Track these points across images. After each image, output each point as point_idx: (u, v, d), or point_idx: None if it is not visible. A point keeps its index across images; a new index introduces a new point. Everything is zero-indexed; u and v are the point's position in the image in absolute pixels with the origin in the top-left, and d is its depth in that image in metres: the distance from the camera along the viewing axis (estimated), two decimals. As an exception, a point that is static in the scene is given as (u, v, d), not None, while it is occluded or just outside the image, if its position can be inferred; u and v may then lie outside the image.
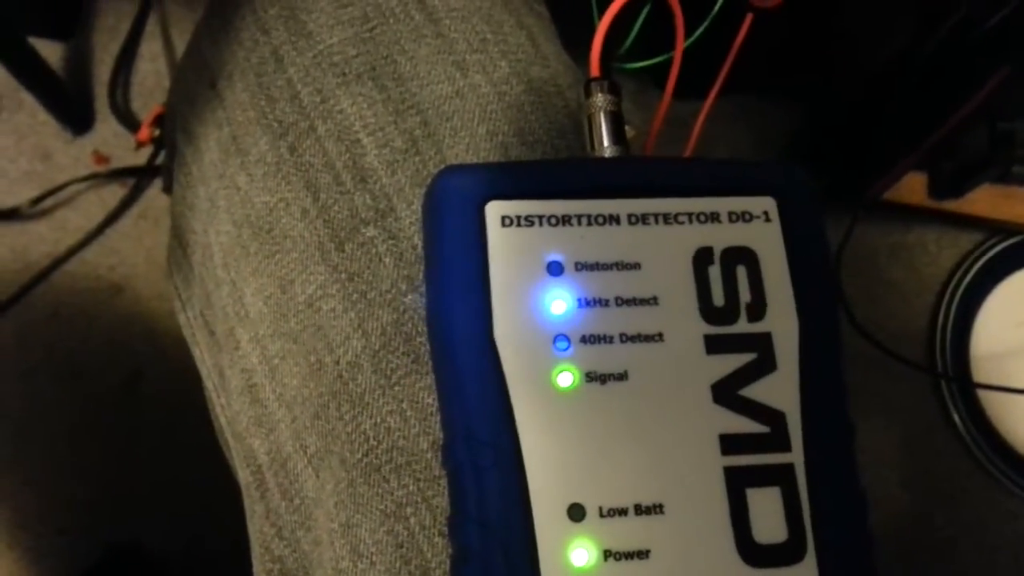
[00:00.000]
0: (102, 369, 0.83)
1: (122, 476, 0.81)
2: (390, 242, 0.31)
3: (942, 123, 0.70)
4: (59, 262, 0.86)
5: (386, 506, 0.28)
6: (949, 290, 0.86)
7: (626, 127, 0.29)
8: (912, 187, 0.82)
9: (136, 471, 0.81)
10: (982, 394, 0.83)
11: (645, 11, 0.32)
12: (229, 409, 0.35)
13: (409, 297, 0.30)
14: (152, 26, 0.92)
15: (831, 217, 0.80)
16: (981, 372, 0.85)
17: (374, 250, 0.31)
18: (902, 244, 0.89)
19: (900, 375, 0.83)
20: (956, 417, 0.83)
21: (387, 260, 0.31)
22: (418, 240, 0.31)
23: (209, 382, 0.38)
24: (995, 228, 0.86)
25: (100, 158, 0.89)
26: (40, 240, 0.87)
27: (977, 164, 0.77)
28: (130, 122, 0.89)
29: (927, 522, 0.83)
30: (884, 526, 0.81)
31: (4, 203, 0.87)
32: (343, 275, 0.31)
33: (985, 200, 0.82)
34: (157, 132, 0.81)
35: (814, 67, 0.83)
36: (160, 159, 0.86)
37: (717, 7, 0.33)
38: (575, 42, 0.36)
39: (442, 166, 0.30)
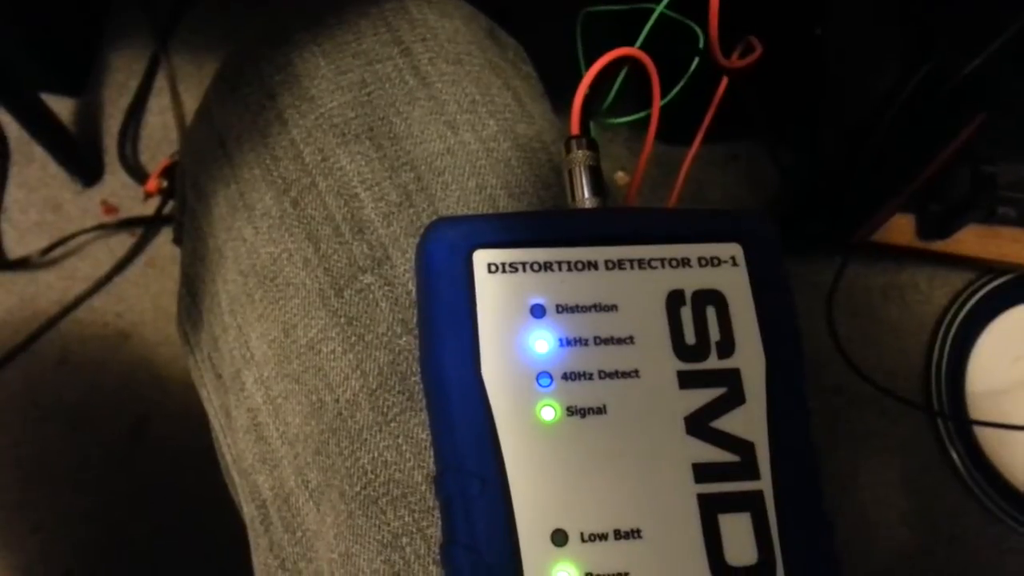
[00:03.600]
0: (110, 414, 0.83)
1: (130, 520, 0.80)
2: (386, 288, 0.32)
3: (924, 167, 0.71)
4: (68, 310, 0.86)
5: (383, 536, 0.29)
6: (943, 328, 0.86)
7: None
8: (901, 229, 0.83)
9: (143, 515, 0.80)
10: (979, 431, 0.83)
11: (624, 70, 0.34)
12: (235, 447, 0.36)
13: (404, 339, 0.32)
14: (160, 82, 0.94)
15: (824, 258, 0.82)
16: (977, 409, 0.84)
17: (371, 296, 0.32)
18: (895, 284, 0.89)
19: (897, 413, 0.83)
20: (954, 454, 0.83)
21: (383, 305, 0.32)
22: (412, 286, 0.32)
23: (216, 422, 0.39)
24: (985, 267, 0.87)
25: (109, 208, 0.90)
26: (49, 288, 0.87)
27: (962, 206, 0.78)
28: (138, 174, 0.90)
29: (928, 560, 0.82)
30: (885, 564, 0.81)
31: (15, 253, 0.88)
32: (342, 319, 0.32)
33: (972, 240, 0.83)
34: (165, 183, 0.82)
35: (799, 115, 0.85)
36: (167, 209, 0.87)
37: (692, 69, 0.35)
38: (563, 91, 0.37)
39: (434, 218, 0.31)
